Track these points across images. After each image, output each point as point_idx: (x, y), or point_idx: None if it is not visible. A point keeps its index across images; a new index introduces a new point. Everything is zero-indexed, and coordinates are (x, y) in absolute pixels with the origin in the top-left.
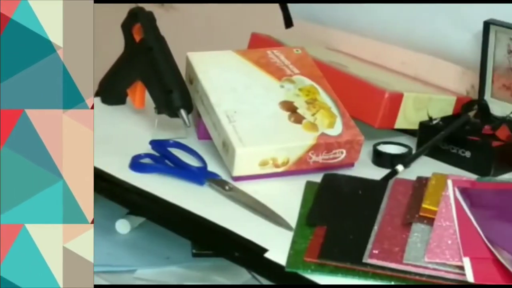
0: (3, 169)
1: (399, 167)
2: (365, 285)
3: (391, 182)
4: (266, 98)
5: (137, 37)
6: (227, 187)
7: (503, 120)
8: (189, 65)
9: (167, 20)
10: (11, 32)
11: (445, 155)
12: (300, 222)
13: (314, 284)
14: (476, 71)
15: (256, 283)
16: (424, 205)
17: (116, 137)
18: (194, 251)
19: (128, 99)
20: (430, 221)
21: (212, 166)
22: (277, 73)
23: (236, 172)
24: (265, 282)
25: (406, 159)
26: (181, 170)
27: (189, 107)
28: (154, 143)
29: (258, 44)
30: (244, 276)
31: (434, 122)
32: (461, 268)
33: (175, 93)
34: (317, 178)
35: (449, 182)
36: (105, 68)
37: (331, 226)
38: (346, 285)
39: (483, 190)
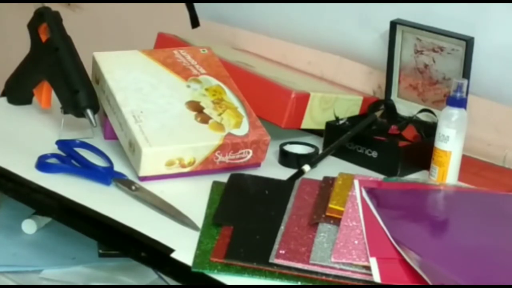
0: None
1: (306, 167)
2: (271, 285)
3: (297, 182)
4: (172, 98)
5: (44, 37)
6: (133, 187)
7: (409, 120)
8: (95, 65)
9: (74, 20)
10: None
11: (352, 155)
12: (206, 222)
13: (221, 284)
14: (383, 71)
15: (163, 283)
16: (330, 205)
17: (22, 137)
18: (100, 251)
19: (35, 99)
20: (336, 221)
21: (119, 166)
22: (184, 73)
23: (143, 172)
24: (171, 282)
25: (313, 159)
26: (87, 170)
27: (96, 107)
28: (60, 143)
29: (164, 44)
30: (151, 276)
31: (341, 122)
32: (368, 268)
33: (81, 93)
34: (224, 178)
35: (356, 182)
36: (11, 68)
37: (237, 226)
38: (253, 285)
39: (389, 190)
